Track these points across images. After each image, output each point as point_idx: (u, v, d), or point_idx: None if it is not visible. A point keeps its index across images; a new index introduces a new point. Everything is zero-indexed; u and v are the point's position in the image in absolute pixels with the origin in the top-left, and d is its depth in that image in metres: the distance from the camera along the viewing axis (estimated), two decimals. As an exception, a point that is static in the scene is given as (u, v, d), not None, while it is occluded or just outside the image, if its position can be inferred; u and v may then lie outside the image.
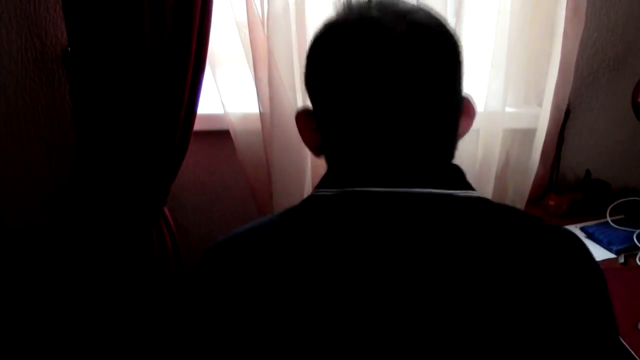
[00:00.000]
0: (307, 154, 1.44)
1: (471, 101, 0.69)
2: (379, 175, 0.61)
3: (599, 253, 1.39)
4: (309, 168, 1.48)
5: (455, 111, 0.66)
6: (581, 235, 1.47)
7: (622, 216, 1.53)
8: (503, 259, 0.58)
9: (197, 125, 1.42)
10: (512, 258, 0.59)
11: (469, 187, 0.64)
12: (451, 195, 0.61)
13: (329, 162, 0.68)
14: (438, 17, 0.64)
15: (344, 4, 0.64)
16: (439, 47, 0.62)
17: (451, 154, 0.67)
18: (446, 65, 0.63)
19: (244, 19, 1.39)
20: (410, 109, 0.60)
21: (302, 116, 0.69)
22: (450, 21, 1.43)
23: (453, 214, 0.60)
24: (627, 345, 1.08)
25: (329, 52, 0.63)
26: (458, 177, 0.64)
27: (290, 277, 0.58)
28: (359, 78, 0.60)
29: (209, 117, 1.52)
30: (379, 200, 0.60)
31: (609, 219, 1.51)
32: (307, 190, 1.48)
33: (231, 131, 1.50)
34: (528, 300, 0.57)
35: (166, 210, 1.49)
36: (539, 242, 0.61)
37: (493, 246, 0.59)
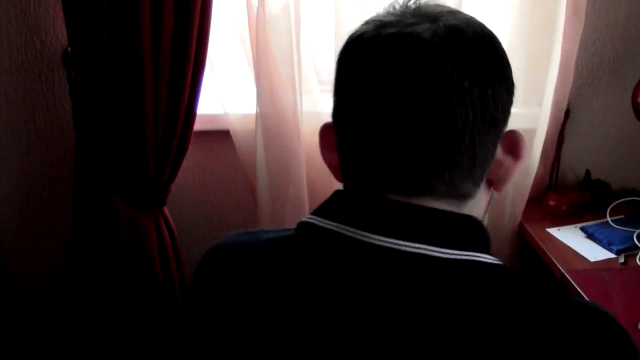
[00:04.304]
0: (304, 154, 1.45)
1: (519, 138, 0.58)
2: (371, 218, 0.53)
3: (599, 253, 1.39)
4: (304, 168, 1.48)
5: (486, 144, 0.54)
6: (581, 235, 1.47)
7: (622, 216, 1.53)
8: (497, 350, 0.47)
9: (197, 125, 1.42)
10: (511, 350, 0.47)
11: (480, 247, 0.54)
12: (441, 258, 0.51)
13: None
14: (479, 23, 0.56)
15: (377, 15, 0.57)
16: (475, 58, 0.53)
17: (470, 195, 0.56)
18: (478, 82, 0.52)
19: (244, 18, 1.39)
20: (424, 131, 0.52)
21: (325, 131, 0.61)
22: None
23: (435, 285, 0.50)
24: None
25: (357, 61, 0.55)
26: (468, 234, 0.54)
27: (255, 303, 0.55)
28: (374, 91, 0.53)
29: (209, 117, 1.52)
30: (360, 251, 0.52)
31: (609, 219, 1.51)
32: (304, 190, 1.48)
33: (231, 131, 1.50)
34: None
35: (166, 210, 1.49)
36: (557, 330, 0.48)
37: (485, 332, 0.48)
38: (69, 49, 1.37)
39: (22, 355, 1.67)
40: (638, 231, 1.44)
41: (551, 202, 1.59)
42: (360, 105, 0.54)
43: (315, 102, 1.47)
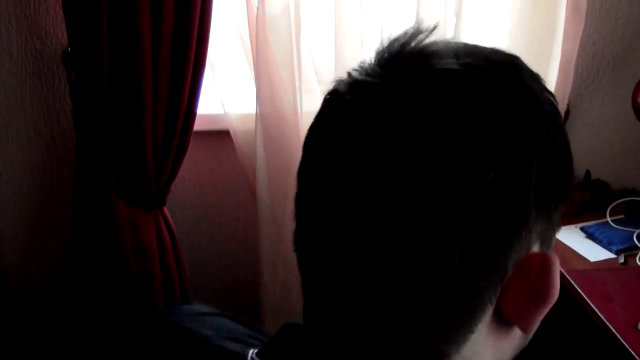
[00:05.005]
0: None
1: (551, 263, 0.39)
2: None
3: (599, 253, 1.40)
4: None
5: (478, 287, 0.37)
6: (581, 235, 1.48)
7: (622, 216, 1.53)
8: None
9: (197, 125, 1.42)
10: None
11: None
12: None
13: None
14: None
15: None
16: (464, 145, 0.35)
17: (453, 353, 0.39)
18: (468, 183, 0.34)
19: (243, 18, 1.39)
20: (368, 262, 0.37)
21: None
22: (450, 21, 1.44)
23: None
24: (627, 345, 1.08)
25: (323, 130, 0.44)
26: None
27: None
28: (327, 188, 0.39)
29: (209, 117, 1.52)
30: None
31: (609, 219, 1.51)
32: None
33: (231, 131, 1.50)
34: None
35: (166, 210, 1.49)
36: None
37: None
38: (69, 49, 1.37)
39: (21, 355, 1.67)
40: (638, 231, 1.44)
41: (551, 202, 1.59)
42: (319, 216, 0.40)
43: (315, 102, 1.47)
